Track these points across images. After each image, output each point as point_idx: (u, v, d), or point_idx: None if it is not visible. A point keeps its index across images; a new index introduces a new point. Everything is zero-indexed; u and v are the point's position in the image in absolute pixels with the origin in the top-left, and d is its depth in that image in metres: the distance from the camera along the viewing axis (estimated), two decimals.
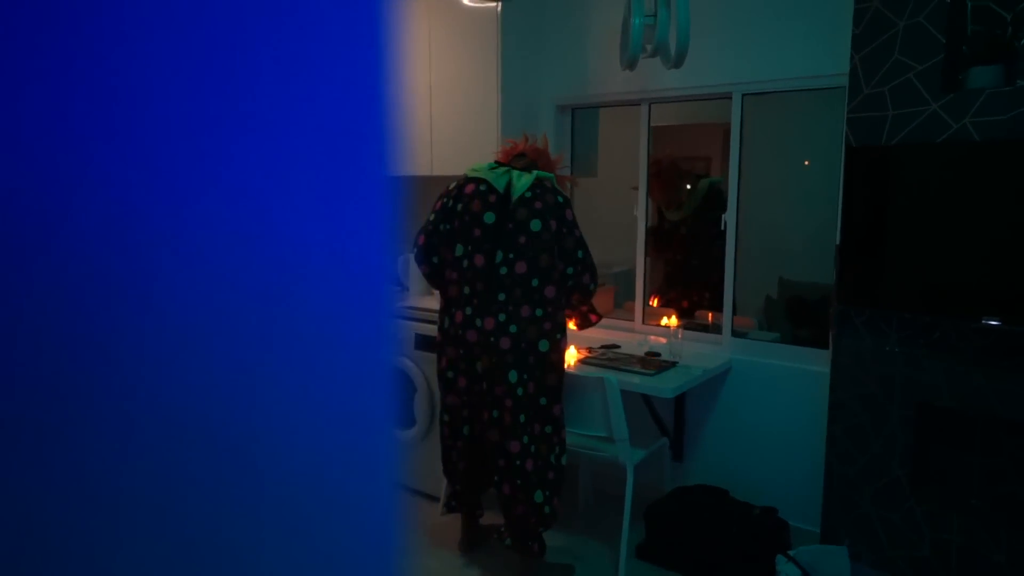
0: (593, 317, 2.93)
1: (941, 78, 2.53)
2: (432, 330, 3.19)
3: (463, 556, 3.16)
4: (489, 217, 2.74)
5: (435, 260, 2.89)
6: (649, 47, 2.77)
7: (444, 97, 3.80)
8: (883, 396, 2.76)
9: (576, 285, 2.80)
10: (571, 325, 3.07)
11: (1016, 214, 2.39)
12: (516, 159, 2.90)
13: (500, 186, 2.76)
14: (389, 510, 0.41)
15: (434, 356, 3.14)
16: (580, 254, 2.80)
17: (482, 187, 2.77)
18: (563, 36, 3.80)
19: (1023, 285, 2.40)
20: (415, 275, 3.92)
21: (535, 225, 2.70)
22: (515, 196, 2.73)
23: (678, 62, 2.74)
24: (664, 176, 3.92)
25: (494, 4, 3.55)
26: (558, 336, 2.78)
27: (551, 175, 2.86)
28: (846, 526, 2.92)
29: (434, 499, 3.54)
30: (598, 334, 3.76)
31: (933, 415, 2.74)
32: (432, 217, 2.87)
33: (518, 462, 2.74)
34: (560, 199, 2.78)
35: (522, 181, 2.76)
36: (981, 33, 2.50)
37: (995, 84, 2.41)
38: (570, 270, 2.79)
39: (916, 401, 2.68)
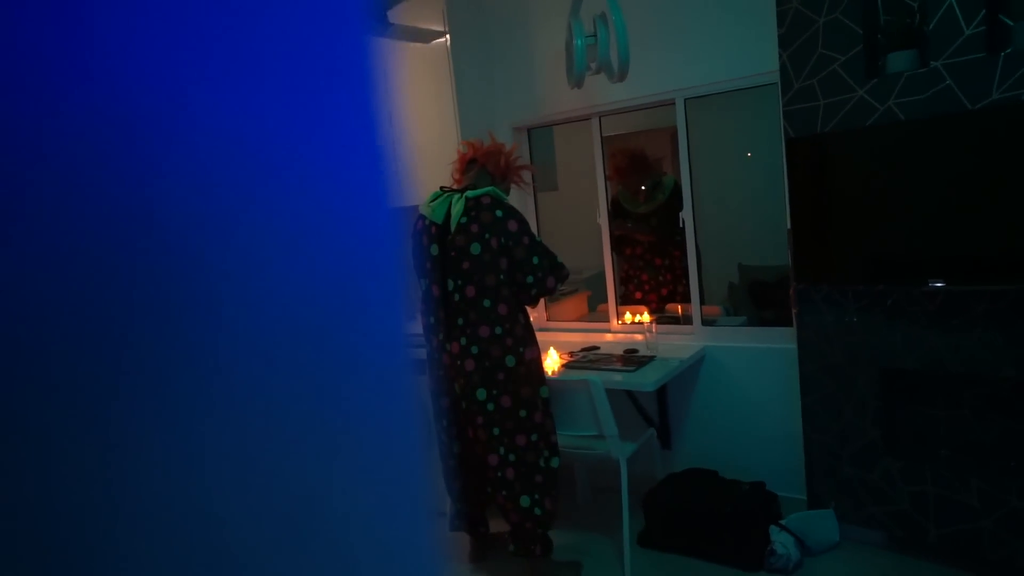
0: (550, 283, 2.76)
1: (863, 66, 2.54)
2: None
3: (473, 568, 3.10)
4: (434, 249, 2.67)
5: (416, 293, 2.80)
6: (593, 65, 2.77)
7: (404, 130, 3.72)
8: (848, 364, 2.72)
9: (540, 291, 2.69)
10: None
11: (943, 183, 2.43)
12: (468, 167, 2.80)
13: (438, 218, 2.67)
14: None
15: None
16: (536, 260, 2.64)
17: (427, 221, 2.71)
18: (512, 61, 3.79)
19: (960, 247, 2.41)
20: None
21: (474, 248, 2.60)
22: (453, 225, 2.64)
23: (621, 76, 2.73)
24: (629, 162, 3.91)
25: (442, 40, 3.49)
26: (522, 349, 2.68)
27: (491, 188, 2.72)
28: (830, 490, 2.89)
29: (445, 516, 3.43)
30: (577, 338, 3.83)
31: (896, 377, 2.74)
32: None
33: (499, 473, 2.68)
34: (499, 213, 2.62)
35: (456, 208, 2.65)
36: (894, 22, 2.53)
37: (912, 67, 2.45)
38: (530, 279, 2.64)
39: (880, 366, 2.67)
